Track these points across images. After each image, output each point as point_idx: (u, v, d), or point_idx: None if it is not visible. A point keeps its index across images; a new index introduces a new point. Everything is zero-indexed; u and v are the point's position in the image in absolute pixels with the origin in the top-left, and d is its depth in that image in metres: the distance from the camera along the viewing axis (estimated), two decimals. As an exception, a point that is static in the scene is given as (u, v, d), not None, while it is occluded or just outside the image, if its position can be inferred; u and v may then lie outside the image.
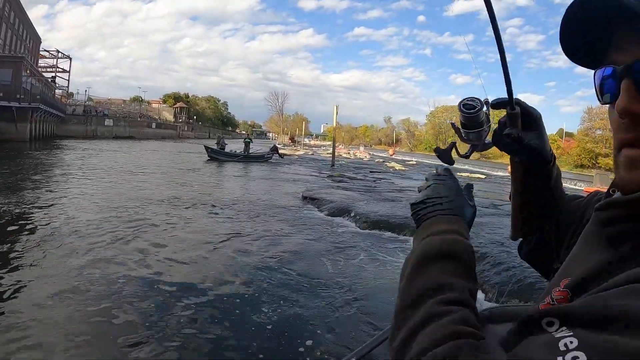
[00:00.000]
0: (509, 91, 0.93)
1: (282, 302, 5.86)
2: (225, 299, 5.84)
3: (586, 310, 0.52)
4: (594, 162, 65.58)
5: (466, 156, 1.01)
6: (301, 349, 4.61)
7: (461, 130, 0.98)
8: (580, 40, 0.72)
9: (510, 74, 0.89)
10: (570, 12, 0.70)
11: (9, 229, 8.59)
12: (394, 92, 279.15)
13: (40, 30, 73.28)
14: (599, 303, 0.51)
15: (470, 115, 0.93)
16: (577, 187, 35.56)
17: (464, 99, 0.95)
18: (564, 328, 0.51)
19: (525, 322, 0.57)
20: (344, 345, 4.77)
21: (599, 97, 0.68)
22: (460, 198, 0.86)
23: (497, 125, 0.97)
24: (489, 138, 0.97)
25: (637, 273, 0.53)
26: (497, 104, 0.95)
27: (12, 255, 6.95)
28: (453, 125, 1.00)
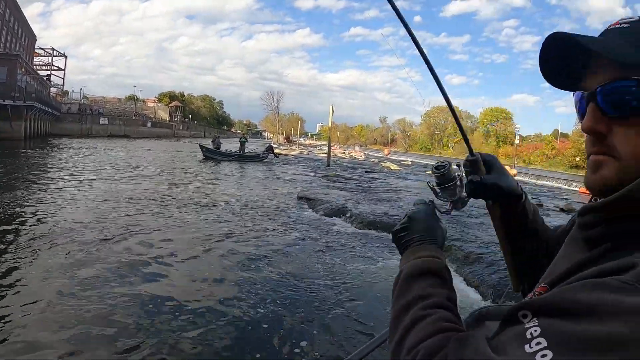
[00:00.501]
0: (466, 140, 1.23)
1: (277, 302, 5.87)
2: (219, 299, 5.84)
3: (550, 301, 0.59)
4: None
5: (447, 212, 1.12)
6: (297, 350, 4.63)
7: (436, 189, 1.14)
8: (559, 65, 0.78)
9: (463, 128, 1.22)
10: (546, 42, 0.76)
11: (1, 228, 8.57)
12: (390, 92, 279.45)
13: (35, 28, 73.05)
14: (561, 295, 0.59)
15: (440, 173, 1.12)
16: (572, 188, 35.69)
17: (435, 163, 1.14)
18: (534, 319, 0.58)
19: (507, 315, 0.64)
20: (339, 345, 4.80)
21: (578, 115, 0.77)
22: (432, 225, 1.01)
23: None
24: (464, 192, 1.13)
25: (600, 269, 0.60)
26: (465, 162, 1.16)
27: (3, 255, 6.93)
28: (428, 184, 1.17)
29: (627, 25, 0.71)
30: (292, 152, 55.02)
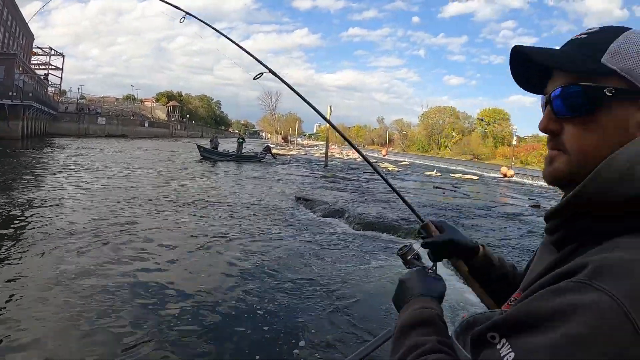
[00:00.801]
0: (413, 210, 1.57)
1: (275, 303, 5.89)
2: (218, 300, 5.85)
3: (516, 317, 0.62)
4: None
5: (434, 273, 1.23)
6: (296, 351, 4.65)
7: (405, 266, 1.31)
8: (527, 73, 0.89)
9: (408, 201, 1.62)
10: (511, 56, 0.87)
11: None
12: (388, 92, 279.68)
13: (33, 27, 72.82)
14: (525, 308, 0.61)
15: (401, 253, 1.33)
16: None
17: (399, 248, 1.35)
18: (503, 340, 0.61)
19: (476, 338, 0.67)
20: (337, 345, 4.83)
21: None
22: (423, 281, 1.13)
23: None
24: (429, 261, 1.26)
25: (556, 274, 0.63)
26: (419, 230, 1.35)
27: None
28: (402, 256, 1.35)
29: (585, 36, 0.81)
30: (290, 153, 55.03)
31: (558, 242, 0.78)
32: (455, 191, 23.36)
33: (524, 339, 0.58)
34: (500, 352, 0.60)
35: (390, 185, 1.48)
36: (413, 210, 1.52)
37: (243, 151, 34.34)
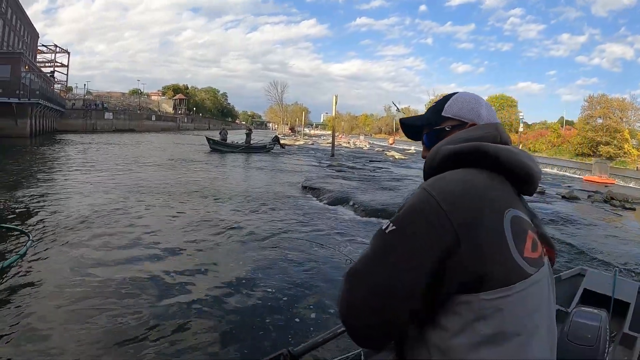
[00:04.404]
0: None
1: (283, 291, 5.94)
2: (223, 292, 5.91)
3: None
4: (594, 150, 65.29)
5: None
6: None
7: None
8: (412, 130, 1.49)
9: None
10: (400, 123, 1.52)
11: (15, 223, 8.69)
12: (394, 81, 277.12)
13: (39, 25, 73.12)
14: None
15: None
16: (577, 176, 35.58)
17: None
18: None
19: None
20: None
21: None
22: None
23: None
24: None
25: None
26: None
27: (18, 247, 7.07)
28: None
29: (435, 102, 1.41)
30: (297, 143, 55.00)
31: None
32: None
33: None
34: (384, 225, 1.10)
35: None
36: None
37: (252, 142, 34.40)
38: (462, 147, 1.16)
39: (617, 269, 4.60)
